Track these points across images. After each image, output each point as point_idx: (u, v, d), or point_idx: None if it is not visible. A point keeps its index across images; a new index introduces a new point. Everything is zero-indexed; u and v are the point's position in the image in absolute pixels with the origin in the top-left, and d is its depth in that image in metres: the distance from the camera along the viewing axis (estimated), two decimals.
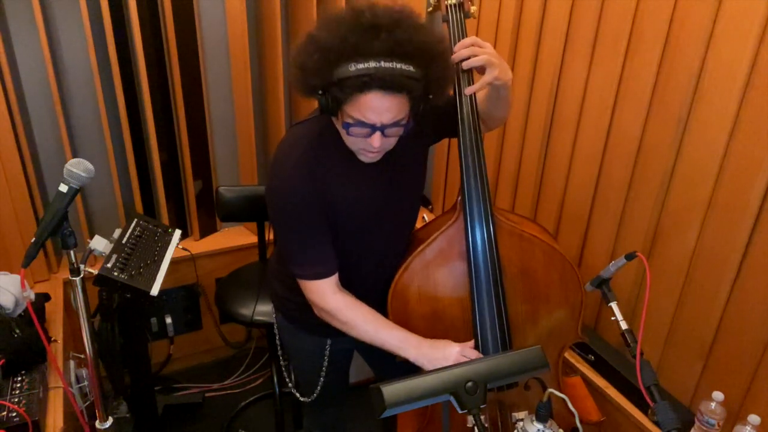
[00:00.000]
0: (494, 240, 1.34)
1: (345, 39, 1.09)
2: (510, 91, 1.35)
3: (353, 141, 1.21)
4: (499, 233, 1.35)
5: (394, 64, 1.09)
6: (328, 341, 1.54)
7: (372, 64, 1.08)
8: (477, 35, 1.27)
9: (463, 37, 1.31)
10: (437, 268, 1.39)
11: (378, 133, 1.15)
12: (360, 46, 1.08)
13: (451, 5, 1.34)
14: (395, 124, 1.15)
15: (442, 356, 1.28)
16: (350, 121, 1.15)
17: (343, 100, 1.13)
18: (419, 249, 1.38)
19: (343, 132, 1.21)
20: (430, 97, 1.18)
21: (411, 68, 1.10)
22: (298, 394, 1.67)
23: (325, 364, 1.56)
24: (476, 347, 1.36)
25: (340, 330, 1.35)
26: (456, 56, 1.26)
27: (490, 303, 1.35)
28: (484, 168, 1.34)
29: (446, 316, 1.39)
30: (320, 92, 1.15)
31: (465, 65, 1.26)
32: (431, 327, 1.39)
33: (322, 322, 1.37)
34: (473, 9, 1.37)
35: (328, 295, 1.33)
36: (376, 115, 1.13)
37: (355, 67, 1.08)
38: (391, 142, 1.22)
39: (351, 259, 1.38)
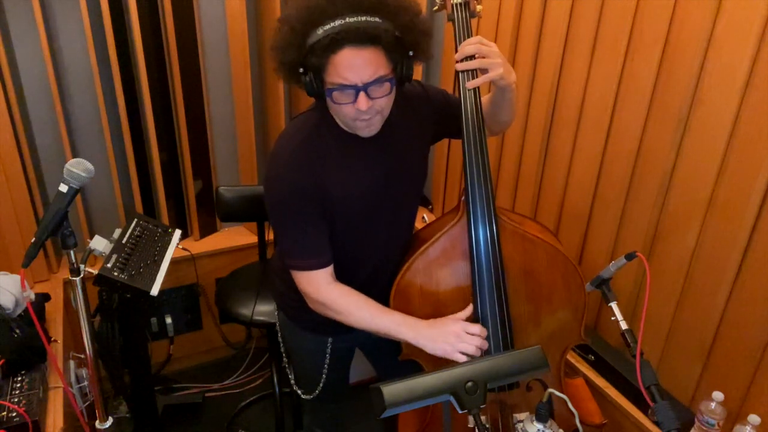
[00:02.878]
0: (497, 240, 1.34)
1: (309, 8, 1.13)
2: (515, 94, 1.35)
3: (344, 111, 1.20)
4: (502, 233, 1.35)
5: (359, 17, 1.11)
6: (329, 339, 1.54)
7: (338, 22, 1.11)
8: (477, 35, 1.27)
9: (468, 36, 1.30)
10: (440, 268, 1.39)
11: (362, 94, 1.15)
12: (323, 9, 1.12)
13: (456, 4, 1.34)
14: (377, 81, 1.15)
15: (441, 333, 1.27)
16: (332, 87, 1.16)
17: (320, 67, 1.14)
18: (422, 248, 1.38)
19: (332, 105, 1.21)
20: (411, 54, 1.19)
21: (377, 18, 1.12)
22: (299, 392, 1.67)
23: (327, 362, 1.56)
24: (475, 320, 1.35)
25: (342, 327, 1.35)
26: (460, 55, 1.25)
27: (492, 303, 1.35)
28: (488, 167, 1.33)
29: (448, 315, 1.39)
30: (300, 70, 1.17)
31: (469, 65, 1.25)
32: None
33: (324, 321, 1.37)
34: (479, 8, 1.36)
35: (322, 286, 1.33)
36: (353, 74, 1.13)
37: (323, 29, 1.11)
38: (381, 104, 1.20)
39: (350, 254, 1.37)
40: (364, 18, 1.11)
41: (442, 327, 1.29)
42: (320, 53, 1.12)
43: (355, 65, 1.13)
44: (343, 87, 1.15)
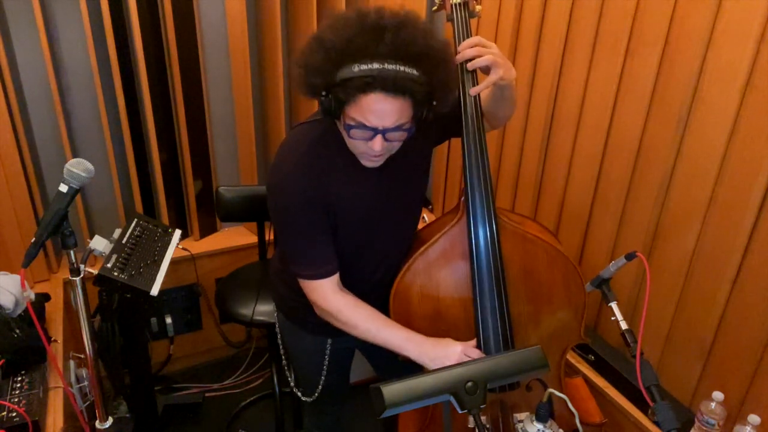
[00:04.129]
0: (497, 240, 1.34)
1: (350, 40, 1.09)
2: (514, 90, 1.35)
3: (355, 144, 1.21)
4: (502, 234, 1.35)
5: (398, 66, 1.08)
6: (329, 340, 1.54)
7: (375, 66, 1.07)
8: (477, 35, 1.27)
9: (467, 37, 1.30)
10: (440, 268, 1.39)
11: (379, 137, 1.15)
12: (364, 48, 1.08)
13: (456, 4, 1.34)
14: (397, 128, 1.15)
15: (443, 354, 1.28)
16: (352, 123, 1.15)
17: (345, 101, 1.12)
18: (422, 249, 1.38)
19: (345, 135, 1.20)
20: (434, 103, 1.17)
21: (414, 71, 1.10)
22: (299, 394, 1.67)
23: (326, 363, 1.56)
24: (478, 347, 1.36)
25: (342, 330, 1.35)
26: (460, 56, 1.25)
27: (492, 303, 1.35)
28: (488, 168, 1.33)
29: (448, 316, 1.39)
30: (323, 93, 1.14)
31: (470, 66, 1.25)
32: (433, 327, 1.39)
33: (324, 322, 1.37)
34: (478, 8, 1.36)
35: (329, 295, 1.33)
36: (377, 118, 1.12)
37: (359, 68, 1.08)
38: (394, 146, 1.21)
39: (353, 259, 1.38)
40: (402, 69, 1.08)
41: (444, 348, 1.29)
42: (349, 90, 1.10)
43: (381, 112, 1.11)
44: (363, 127, 1.14)
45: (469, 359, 1.27)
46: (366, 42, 1.08)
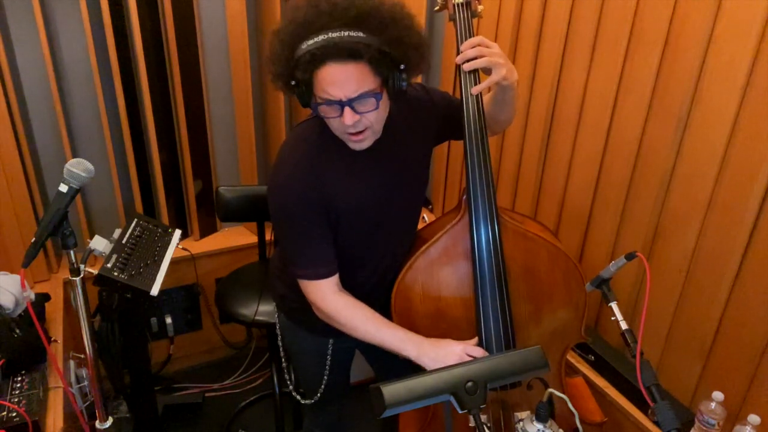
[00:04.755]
0: (499, 239, 1.34)
1: (295, 20, 1.13)
2: (515, 93, 1.34)
3: (335, 126, 1.21)
4: (503, 232, 1.35)
5: (342, 32, 1.10)
6: (330, 341, 1.54)
7: (321, 37, 1.10)
8: (478, 35, 1.27)
9: (469, 37, 1.30)
10: (441, 267, 1.39)
11: (348, 110, 1.14)
12: (308, 24, 1.12)
13: (458, 4, 1.33)
14: (361, 96, 1.14)
15: (443, 354, 1.28)
16: (319, 101, 1.16)
17: (307, 82, 1.15)
18: (423, 248, 1.38)
19: (326, 121, 1.21)
20: (402, 66, 1.16)
21: (360, 33, 1.11)
22: (299, 397, 1.66)
23: (328, 363, 1.56)
24: (480, 344, 1.35)
25: (341, 330, 1.35)
26: (461, 56, 1.25)
27: (494, 302, 1.35)
28: (490, 167, 1.33)
29: (450, 315, 1.39)
30: (292, 83, 1.17)
31: (467, 66, 1.25)
32: (435, 326, 1.39)
33: (324, 322, 1.37)
34: (480, 8, 1.36)
35: (328, 296, 1.33)
36: (336, 89, 1.13)
37: (306, 44, 1.12)
38: (370, 120, 1.19)
39: (353, 260, 1.38)
40: (346, 33, 1.10)
41: (445, 348, 1.29)
42: (304, 68, 1.13)
43: (338, 81, 1.12)
44: (328, 102, 1.15)
45: (470, 358, 1.27)
46: (310, 19, 1.12)
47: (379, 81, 1.16)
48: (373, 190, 1.32)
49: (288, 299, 1.52)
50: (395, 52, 1.15)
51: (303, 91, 1.17)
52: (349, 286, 1.37)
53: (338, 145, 1.27)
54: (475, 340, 1.35)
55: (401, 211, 1.41)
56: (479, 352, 1.30)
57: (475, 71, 1.29)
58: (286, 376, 1.67)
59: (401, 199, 1.39)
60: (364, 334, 1.32)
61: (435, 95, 1.42)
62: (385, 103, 1.20)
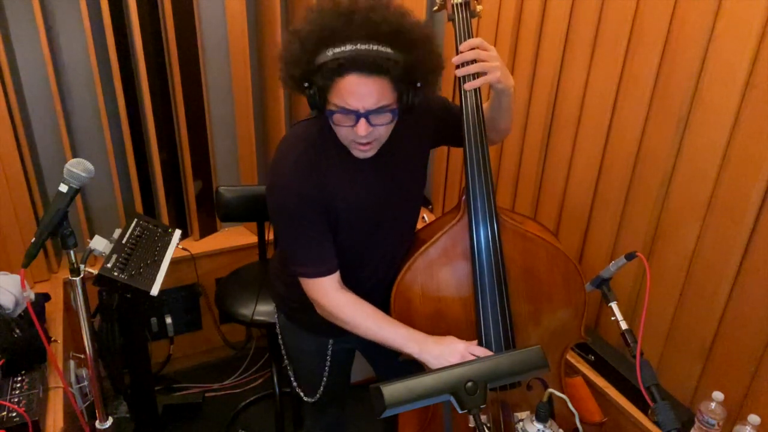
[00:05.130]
0: (498, 240, 1.34)
1: (321, 25, 1.12)
2: (512, 100, 1.34)
3: (343, 133, 1.21)
4: (503, 232, 1.35)
5: (371, 46, 1.10)
6: (331, 341, 1.54)
7: (348, 47, 1.09)
8: (477, 35, 1.27)
9: (468, 37, 1.30)
10: (441, 267, 1.39)
11: (363, 121, 1.15)
12: (337, 32, 1.10)
13: (456, 4, 1.33)
14: (379, 110, 1.15)
15: (448, 352, 1.27)
16: (334, 108, 1.16)
17: (324, 88, 1.14)
18: (423, 248, 1.38)
19: (333, 125, 1.21)
20: (419, 85, 1.18)
21: (389, 50, 1.11)
22: (302, 395, 1.66)
23: (327, 364, 1.56)
24: (480, 344, 1.35)
25: (343, 329, 1.35)
26: (459, 58, 1.25)
27: (493, 302, 1.35)
28: (489, 167, 1.33)
29: (449, 315, 1.39)
30: (305, 84, 1.16)
31: (463, 72, 1.25)
32: (434, 326, 1.39)
33: (324, 322, 1.37)
34: (479, 8, 1.36)
35: (330, 293, 1.33)
36: (356, 100, 1.13)
37: (332, 52, 1.10)
38: (380, 132, 1.20)
39: (352, 259, 1.38)
40: (375, 47, 1.10)
41: (447, 345, 1.28)
42: (326, 75, 1.12)
43: (359, 93, 1.12)
44: (344, 111, 1.15)
45: (472, 357, 1.27)
46: (338, 26, 1.10)
47: (396, 96, 1.17)
48: (372, 190, 1.32)
49: (288, 300, 1.52)
50: (417, 72, 1.16)
51: (316, 95, 1.16)
52: (348, 286, 1.37)
53: (337, 145, 1.27)
54: (476, 342, 1.34)
55: (400, 211, 1.41)
56: (482, 351, 1.30)
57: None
58: (289, 374, 1.67)
59: (399, 199, 1.39)
60: (366, 331, 1.32)
61: (433, 99, 1.42)
62: (396, 119, 1.21)
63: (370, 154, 1.25)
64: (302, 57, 1.14)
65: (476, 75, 1.28)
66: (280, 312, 1.59)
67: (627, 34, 1.63)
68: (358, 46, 1.09)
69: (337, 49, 1.10)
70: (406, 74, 1.14)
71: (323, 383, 1.59)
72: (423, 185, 1.49)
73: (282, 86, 1.23)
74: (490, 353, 1.31)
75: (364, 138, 1.18)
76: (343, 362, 1.63)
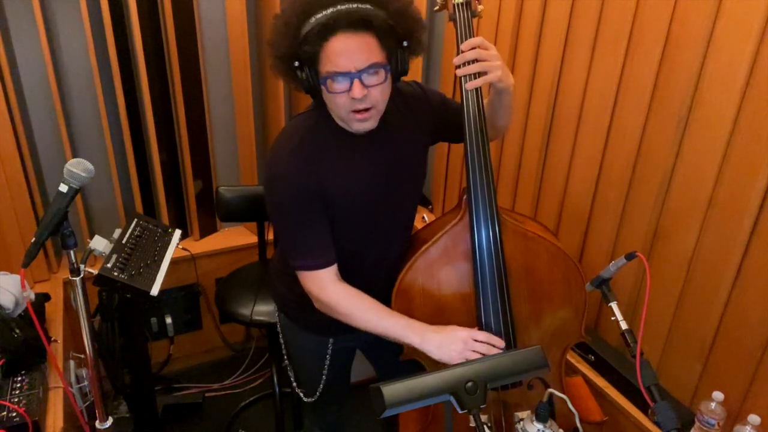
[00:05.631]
0: (500, 240, 1.34)
1: (303, 1, 1.15)
2: (511, 98, 1.35)
3: (339, 102, 1.20)
4: (504, 232, 1.35)
5: (350, 5, 1.13)
6: (331, 340, 1.54)
7: (330, 10, 1.12)
8: (477, 35, 1.27)
9: (469, 36, 1.30)
10: (442, 267, 1.39)
11: (357, 82, 1.15)
12: (316, 1, 1.13)
13: (458, 4, 1.33)
14: (371, 67, 1.15)
15: (450, 340, 1.26)
16: (327, 75, 1.16)
17: (314, 57, 1.16)
18: (424, 248, 1.38)
19: (330, 101, 1.21)
20: (405, 44, 1.20)
21: (368, 5, 1.14)
22: (302, 394, 1.66)
23: (327, 363, 1.56)
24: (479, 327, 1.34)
25: (343, 328, 1.35)
26: (460, 57, 1.25)
27: (494, 302, 1.35)
28: (490, 166, 1.33)
29: (450, 315, 1.39)
30: (296, 64, 1.18)
31: (463, 72, 1.25)
32: (435, 326, 1.38)
33: (325, 321, 1.37)
34: (480, 8, 1.36)
35: (328, 286, 1.33)
36: (347, 60, 1.14)
37: (315, 18, 1.13)
38: (376, 94, 1.20)
39: (350, 253, 1.37)
40: (355, 5, 1.13)
41: (449, 333, 1.28)
42: (313, 41, 1.14)
43: (348, 51, 1.14)
44: (337, 75, 1.15)
45: (475, 343, 1.26)
46: None
47: (385, 55, 1.18)
48: (368, 180, 1.32)
49: (288, 299, 1.52)
50: (400, 26, 1.18)
51: (307, 72, 1.18)
52: (346, 280, 1.36)
53: (334, 136, 1.27)
54: (477, 328, 1.33)
55: (396, 203, 1.40)
56: (485, 335, 1.29)
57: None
58: (289, 373, 1.67)
59: (395, 190, 1.38)
60: (366, 323, 1.31)
61: (431, 94, 1.43)
62: (389, 82, 1.22)
63: (369, 125, 1.24)
64: (287, 33, 1.17)
65: (477, 75, 1.29)
66: (280, 311, 1.59)
67: (627, 34, 1.63)
68: (338, 7, 1.12)
69: (319, 14, 1.13)
70: (390, 28, 1.17)
71: (323, 382, 1.59)
72: (422, 181, 1.49)
73: (274, 72, 1.24)
74: (493, 338, 1.29)
75: (360, 103, 1.18)
76: (343, 362, 1.63)
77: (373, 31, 1.14)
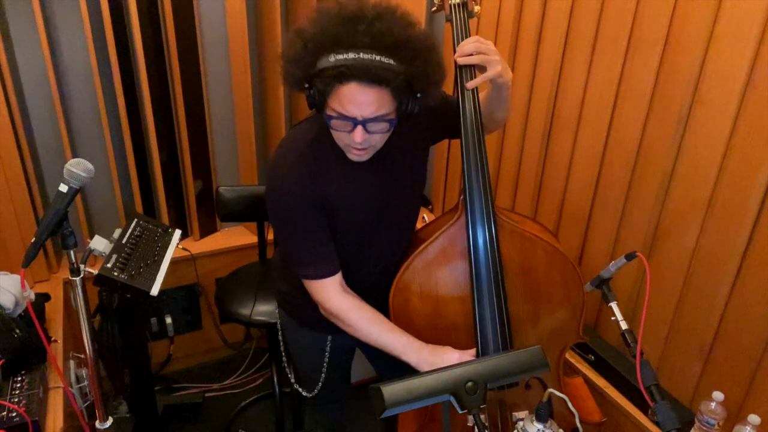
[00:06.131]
0: (496, 239, 1.34)
1: (325, 30, 1.11)
2: (510, 92, 1.35)
3: (339, 137, 1.21)
4: (500, 232, 1.35)
5: (374, 56, 1.09)
6: (329, 337, 1.54)
7: (351, 55, 1.09)
8: (477, 35, 1.28)
9: (466, 37, 1.31)
10: (439, 267, 1.39)
11: (360, 128, 1.15)
12: (340, 37, 1.10)
13: (454, 5, 1.34)
14: (377, 119, 1.15)
15: (441, 362, 1.28)
16: (332, 114, 1.16)
17: (324, 92, 1.14)
18: (421, 247, 1.38)
19: (331, 129, 1.21)
20: (418, 96, 1.18)
21: (391, 62, 1.10)
22: (300, 389, 1.67)
23: (326, 360, 1.57)
24: (477, 353, 1.36)
25: (345, 331, 1.35)
26: (459, 53, 1.26)
27: (491, 302, 1.35)
28: (487, 166, 1.34)
29: (447, 314, 1.39)
30: (306, 85, 1.16)
31: (465, 61, 1.26)
32: (432, 325, 1.39)
33: (324, 318, 1.38)
34: (477, 9, 1.37)
35: (333, 295, 1.33)
36: (356, 108, 1.13)
37: (335, 58, 1.10)
38: (376, 139, 1.20)
39: (352, 258, 1.38)
40: (378, 58, 1.09)
41: (442, 355, 1.29)
42: (327, 81, 1.11)
43: (359, 102, 1.12)
44: (342, 117, 1.15)
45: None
46: (342, 32, 1.10)
47: (395, 106, 1.17)
48: (370, 189, 1.33)
49: (288, 296, 1.53)
50: (418, 84, 1.16)
51: (315, 96, 1.16)
52: (347, 283, 1.37)
53: (334, 145, 1.27)
54: (473, 351, 1.34)
55: (398, 209, 1.41)
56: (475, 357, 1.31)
57: (470, 69, 1.30)
58: (288, 370, 1.67)
59: (398, 198, 1.39)
60: (367, 336, 1.32)
61: None
62: (393, 128, 1.21)
63: (364, 158, 1.25)
64: (304, 59, 1.14)
65: (474, 74, 1.29)
66: (281, 308, 1.60)
67: (627, 34, 1.63)
68: (361, 55, 1.09)
69: (340, 56, 1.09)
70: (407, 85, 1.14)
71: (322, 379, 1.60)
72: (423, 183, 1.49)
73: (282, 83, 1.23)
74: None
75: (359, 144, 1.18)
76: (342, 359, 1.63)
77: (389, 87, 1.12)
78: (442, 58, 1.21)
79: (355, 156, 1.24)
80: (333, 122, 1.17)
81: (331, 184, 1.28)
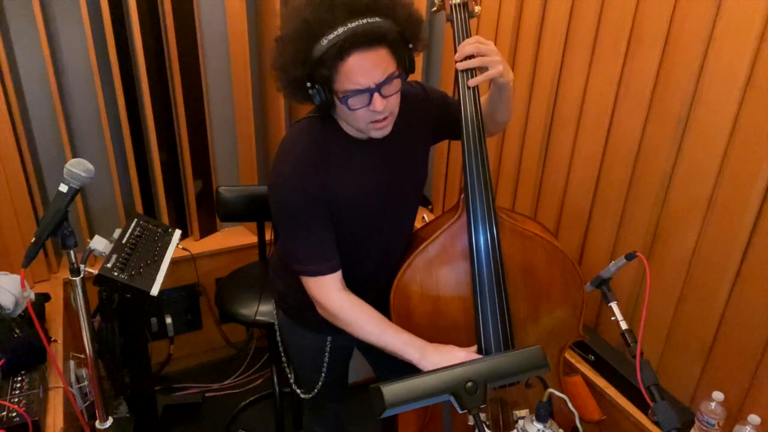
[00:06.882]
0: (497, 238, 1.34)
1: (306, 20, 1.13)
2: (511, 93, 1.35)
3: (358, 116, 1.20)
4: (501, 231, 1.36)
5: (360, 20, 1.11)
6: (329, 338, 1.54)
7: (341, 29, 1.11)
8: (477, 35, 1.28)
9: (467, 37, 1.31)
10: (440, 266, 1.39)
11: (377, 95, 1.16)
12: (323, 20, 1.11)
13: (455, 5, 1.34)
14: (387, 79, 1.16)
15: (447, 359, 1.27)
16: (347, 93, 1.16)
17: (329, 78, 1.14)
18: (422, 246, 1.38)
19: (348, 115, 1.21)
20: (410, 45, 1.20)
21: (377, 18, 1.13)
22: (299, 391, 1.67)
23: (326, 360, 1.56)
24: (479, 350, 1.35)
25: (343, 330, 1.35)
26: (459, 54, 1.26)
27: (492, 301, 1.35)
28: (488, 165, 1.34)
29: (448, 313, 1.39)
30: (308, 84, 1.16)
31: (465, 65, 1.26)
32: (433, 324, 1.39)
33: (322, 319, 1.37)
34: (477, 9, 1.37)
35: (332, 293, 1.33)
36: (365, 77, 1.14)
37: (327, 39, 1.11)
38: (393, 103, 1.21)
39: (352, 256, 1.38)
40: (365, 20, 1.11)
41: (447, 354, 1.28)
42: (329, 63, 1.12)
43: (366, 68, 1.13)
44: (356, 92, 1.15)
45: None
46: (322, 15, 1.11)
47: (396, 63, 1.18)
48: (372, 184, 1.33)
49: (286, 296, 1.52)
50: (407, 31, 1.18)
51: (321, 90, 1.16)
52: (349, 283, 1.37)
53: (338, 141, 1.27)
54: (474, 349, 1.34)
55: (399, 205, 1.41)
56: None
57: (473, 69, 1.30)
58: (287, 371, 1.67)
59: (399, 193, 1.39)
60: (368, 335, 1.32)
61: (432, 93, 1.44)
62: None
63: (387, 130, 1.25)
64: (298, 56, 1.15)
65: (475, 73, 1.29)
66: (279, 308, 1.60)
67: (627, 35, 1.63)
68: (348, 25, 1.10)
69: (331, 35, 1.11)
70: (400, 37, 1.17)
71: (321, 380, 1.59)
72: (423, 183, 1.49)
73: (283, 95, 1.23)
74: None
75: (381, 113, 1.18)
76: (341, 359, 1.63)
77: (386, 44, 1.14)
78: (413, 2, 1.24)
79: (378, 131, 1.24)
80: (350, 101, 1.16)
81: (335, 179, 1.28)
